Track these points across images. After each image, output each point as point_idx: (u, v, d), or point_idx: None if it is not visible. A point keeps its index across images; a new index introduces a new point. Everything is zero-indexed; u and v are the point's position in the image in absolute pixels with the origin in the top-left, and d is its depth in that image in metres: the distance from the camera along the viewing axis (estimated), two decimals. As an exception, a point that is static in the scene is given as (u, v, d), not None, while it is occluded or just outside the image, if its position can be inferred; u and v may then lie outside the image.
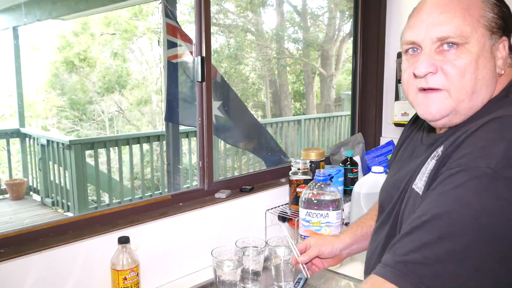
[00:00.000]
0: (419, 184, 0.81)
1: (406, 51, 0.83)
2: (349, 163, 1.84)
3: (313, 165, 1.68)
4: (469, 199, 0.65)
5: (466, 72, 0.76)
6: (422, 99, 0.81)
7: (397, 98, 2.09)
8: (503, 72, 0.79)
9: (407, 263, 0.67)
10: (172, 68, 2.81)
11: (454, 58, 0.76)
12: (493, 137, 0.68)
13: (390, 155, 1.96)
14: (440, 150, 0.78)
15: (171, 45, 2.76)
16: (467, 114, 0.79)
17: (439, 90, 0.78)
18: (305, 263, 1.12)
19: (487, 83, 0.77)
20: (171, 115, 2.92)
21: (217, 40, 6.29)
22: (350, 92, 2.35)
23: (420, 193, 0.79)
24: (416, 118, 1.05)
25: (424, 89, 0.80)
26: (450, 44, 0.76)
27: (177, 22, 2.74)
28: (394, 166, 1.04)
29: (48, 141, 4.39)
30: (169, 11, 2.74)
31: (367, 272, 1.00)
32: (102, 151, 4.46)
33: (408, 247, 0.68)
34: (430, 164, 0.79)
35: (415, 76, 0.80)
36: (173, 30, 2.74)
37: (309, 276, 1.13)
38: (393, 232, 0.89)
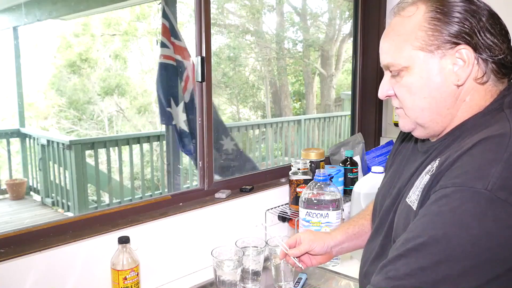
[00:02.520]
0: (412, 198, 0.80)
1: None
2: (349, 163, 1.85)
3: (313, 165, 1.68)
4: (468, 222, 0.64)
5: (411, 93, 0.80)
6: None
7: (397, 98, 2.09)
8: (460, 82, 0.77)
9: (404, 287, 0.67)
10: (164, 69, 2.82)
11: (400, 81, 0.82)
12: (489, 158, 0.67)
13: (390, 155, 1.96)
14: (435, 165, 0.77)
15: (164, 45, 2.78)
16: (434, 128, 0.82)
17: (400, 108, 0.85)
18: (296, 257, 1.11)
19: (436, 99, 0.79)
20: (164, 116, 2.94)
21: (217, 40, 6.29)
22: (350, 92, 2.35)
23: (413, 207, 0.78)
24: None
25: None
26: (393, 70, 0.82)
27: (170, 24, 2.75)
28: (389, 170, 1.04)
29: (48, 141, 4.39)
30: (166, 12, 2.75)
31: (360, 276, 1.00)
32: (102, 151, 4.46)
33: (403, 270, 0.67)
34: (424, 178, 0.78)
35: None
36: (166, 32, 2.76)
37: (303, 268, 1.12)
38: (386, 241, 0.89)
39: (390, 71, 0.83)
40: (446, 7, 0.76)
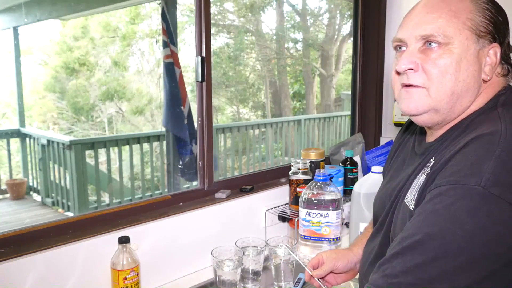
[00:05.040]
0: (409, 198, 0.81)
1: (395, 48, 0.86)
2: (349, 163, 1.85)
3: (313, 165, 1.68)
4: (462, 219, 0.64)
5: (446, 73, 0.77)
6: (404, 95, 0.82)
7: (397, 98, 2.09)
8: (488, 78, 0.79)
9: (400, 285, 0.67)
10: (167, 69, 2.83)
11: (435, 57, 0.77)
12: (481, 155, 0.68)
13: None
14: (430, 165, 0.78)
15: (165, 45, 2.78)
16: (447, 115, 0.80)
17: (419, 87, 0.79)
18: (321, 278, 1.09)
19: (468, 86, 0.77)
20: (166, 117, 2.95)
21: (217, 41, 6.29)
22: (350, 92, 2.35)
23: (411, 208, 0.78)
24: (407, 126, 1.05)
25: (406, 85, 0.81)
26: (433, 43, 0.77)
27: (167, 25, 2.76)
28: (387, 175, 1.04)
29: (48, 141, 4.40)
30: (166, 12, 2.75)
31: (360, 277, 1.00)
32: (102, 151, 4.46)
33: (400, 267, 0.68)
34: (421, 178, 0.79)
35: (398, 73, 0.82)
36: (166, 31, 2.77)
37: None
38: (385, 241, 0.89)
39: (426, 43, 0.78)
40: (498, 6, 0.79)
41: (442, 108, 0.79)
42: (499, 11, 0.80)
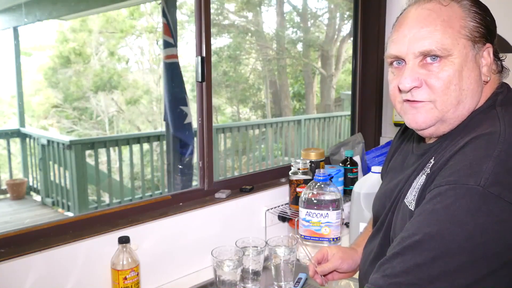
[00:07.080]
0: (409, 198, 0.81)
1: (391, 63, 0.84)
2: (349, 163, 1.85)
3: (313, 165, 1.68)
4: (462, 218, 0.64)
5: (451, 84, 0.76)
6: (409, 109, 0.82)
7: (397, 98, 2.09)
8: (488, 79, 0.79)
9: (400, 285, 0.67)
10: (168, 68, 2.83)
11: (437, 71, 0.77)
12: (480, 155, 0.68)
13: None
14: (430, 165, 0.78)
15: (167, 45, 2.78)
16: (453, 124, 0.80)
17: (425, 102, 0.79)
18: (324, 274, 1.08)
19: (472, 92, 0.78)
20: (167, 115, 2.95)
21: (217, 40, 6.29)
22: (350, 92, 2.35)
23: (411, 208, 0.79)
24: (406, 127, 1.05)
25: (410, 101, 0.80)
26: (433, 57, 0.77)
27: (168, 22, 2.75)
28: (386, 176, 1.04)
29: (48, 141, 4.40)
30: (166, 11, 2.75)
31: (360, 277, 1.01)
32: (102, 151, 4.46)
33: (400, 267, 0.68)
34: (421, 179, 0.79)
35: (400, 90, 0.81)
36: (168, 31, 2.76)
37: (325, 284, 1.10)
38: (385, 241, 0.89)
39: (425, 58, 0.77)
40: (483, 5, 0.79)
41: (448, 118, 0.79)
42: (485, 11, 0.80)
